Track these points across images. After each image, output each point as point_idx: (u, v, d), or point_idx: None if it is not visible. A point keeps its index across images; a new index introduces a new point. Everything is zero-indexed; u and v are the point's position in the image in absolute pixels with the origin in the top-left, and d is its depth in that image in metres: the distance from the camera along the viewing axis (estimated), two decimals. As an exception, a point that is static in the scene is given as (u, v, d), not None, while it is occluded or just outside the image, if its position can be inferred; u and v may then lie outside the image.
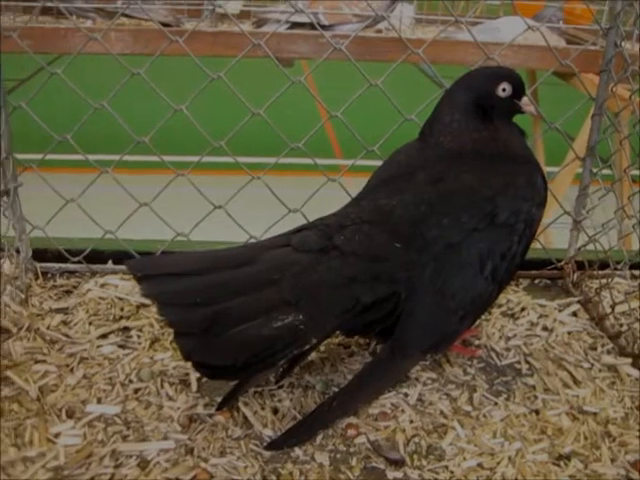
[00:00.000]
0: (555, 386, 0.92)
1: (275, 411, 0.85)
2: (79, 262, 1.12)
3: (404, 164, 0.91)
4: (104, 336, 0.98)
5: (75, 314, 1.03)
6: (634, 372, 0.96)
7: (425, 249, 0.81)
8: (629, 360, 0.98)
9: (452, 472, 0.77)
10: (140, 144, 1.06)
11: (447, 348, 0.93)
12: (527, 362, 0.98)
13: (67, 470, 0.74)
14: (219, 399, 0.85)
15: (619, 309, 1.06)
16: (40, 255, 1.13)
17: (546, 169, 0.94)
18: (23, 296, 1.04)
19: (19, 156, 1.04)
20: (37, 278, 1.11)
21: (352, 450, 0.80)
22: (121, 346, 0.96)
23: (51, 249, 1.13)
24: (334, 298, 0.77)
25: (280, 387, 0.89)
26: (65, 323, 1.01)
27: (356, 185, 0.96)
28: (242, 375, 0.79)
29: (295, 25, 2.20)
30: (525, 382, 0.93)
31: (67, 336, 0.97)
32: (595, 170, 1.14)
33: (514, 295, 1.14)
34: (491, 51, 1.07)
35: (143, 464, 0.76)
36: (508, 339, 1.03)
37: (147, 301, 1.02)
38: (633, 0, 1.04)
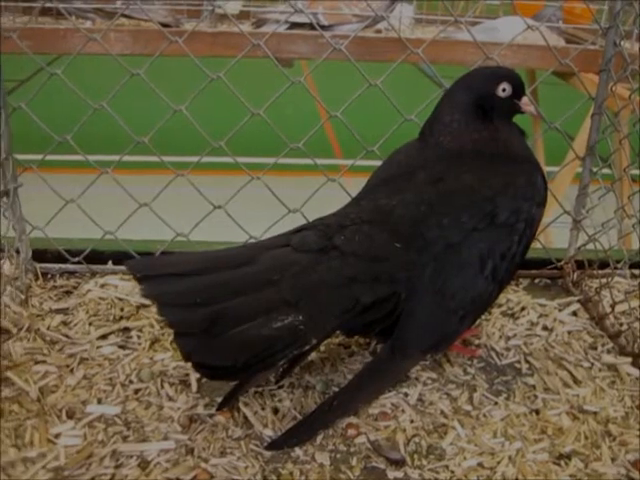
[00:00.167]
0: (555, 385, 0.92)
1: (275, 411, 0.85)
2: (79, 262, 1.12)
3: (404, 164, 0.92)
4: (104, 337, 0.98)
5: (75, 315, 1.03)
6: (634, 371, 0.96)
7: (425, 249, 0.81)
8: (629, 359, 0.98)
9: (452, 472, 0.77)
10: (140, 144, 1.06)
11: (447, 348, 0.93)
12: (527, 362, 0.98)
13: (67, 471, 0.74)
14: (219, 399, 0.85)
15: (619, 308, 1.06)
16: (40, 256, 1.13)
17: (546, 169, 0.94)
18: (23, 297, 1.04)
19: (19, 157, 1.04)
20: (37, 279, 1.11)
21: (352, 450, 0.80)
22: (121, 346, 0.96)
23: (51, 250, 1.13)
24: (334, 298, 0.77)
25: (280, 387, 0.89)
26: (65, 324, 1.01)
27: (356, 185, 0.96)
28: (242, 375, 0.79)
29: (295, 25, 2.20)
30: (525, 382, 0.93)
31: (67, 337, 0.97)
32: (595, 169, 1.14)
33: (514, 295, 1.14)
34: (490, 51, 1.07)
35: (143, 464, 0.76)
36: (508, 339, 1.03)
37: (147, 301, 1.02)
38: (632, 0, 1.04)
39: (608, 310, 1.06)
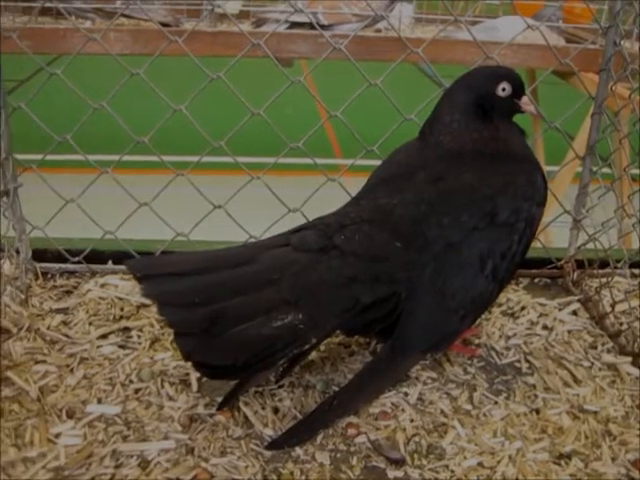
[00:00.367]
0: (555, 385, 0.92)
1: (276, 411, 0.85)
2: (79, 262, 1.12)
3: (404, 163, 0.91)
4: (104, 336, 0.98)
5: (75, 314, 1.03)
6: (634, 371, 0.96)
7: (425, 248, 0.81)
8: (629, 359, 0.98)
9: (452, 471, 0.77)
10: (140, 144, 1.06)
11: (447, 347, 0.93)
12: (527, 361, 0.98)
13: (67, 470, 0.74)
14: (220, 399, 0.85)
15: (619, 308, 1.06)
16: (40, 255, 1.13)
17: (546, 168, 0.94)
18: (23, 296, 1.04)
19: (19, 156, 1.04)
20: (37, 278, 1.11)
21: (353, 449, 0.80)
22: (121, 346, 0.96)
23: (51, 249, 1.13)
24: (334, 298, 0.77)
25: (280, 387, 0.89)
26: (65, 323, 1.01)
27: (356, 185, 0.96)
28: (242, 375, 0.79)
29: (294, 25, 2.20)
30: (525, 381, 0.93)
31: (67, 336, 0.97)
32: (595, 169, 1.14)
33: (514, 294, 1.14)
34: (490, 50, 1.07)
35: (144, 464, 0.76)
36: (508, 338, 1.03)
37: (147, 301, 1.02)
38: (632, -1, 1.04)
39: (608, 309, 1.06)
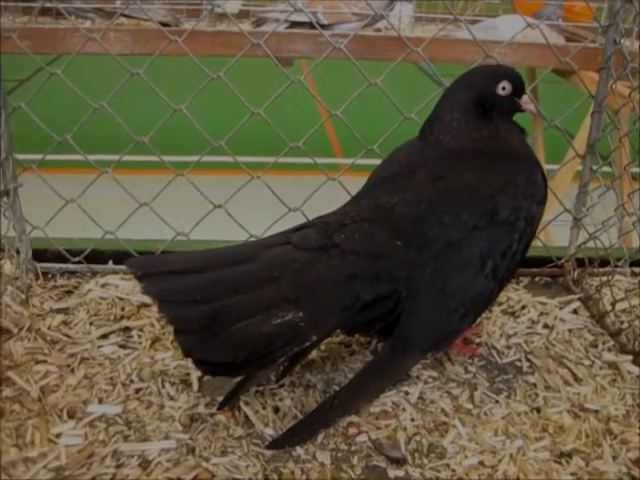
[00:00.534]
0: (556, 384, 0.92)
1: (276, 410, 0.85)
2: (79, 262, 1.12)
3: (404, 162, 0.91)
4: (105, 336, 0.98)
5: (76, 314, 1.03)
6: (635, 369, 0.96)
7: (426, 247, 0.81)
8: (630, 357, 0.98)
9: (453, 470, 0.77)
10: (140, 144, 1.06)
11: (448, 346, 0.93)
12: (528, 360, 0.98)
13: (68, 470, 0.74)
14: (220, 398, 0.85)
15: (620, 306, 1.06)
16: (40, 255, 1.13)
17: (546, 167, 0.94)
18: (24, 296, 1.04)
19: (19, 156, 1.04)
20: (38, 278, 1.11)
21: (353, 449, 0.80)
22: (122, 346, 0.96)
23: (51, 249, 1.13)
24: (334, 295, 0.77)
25: (281, 386, 0.89)
26: (66, 323, 1.01)
27: (356, 184, 0.96)
28: (242, 372, 0.79)
29: (294, 24, 2.20)
30: (526, 380, 0.93)
31: (68, 336, 0.97)
32: (595, 167, 1.14)
33: (514, 293, 1.14)
34: (490, 49, 1.07)
35: (144, 464, 0.76)
36: (509, 337, 1.03)
37: (148, 301, 1.02)
38: (632, -3, 1.04)
39: (609, 308, 1.06)
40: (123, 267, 1.10)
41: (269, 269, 0.77)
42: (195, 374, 0.89)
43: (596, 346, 1.02)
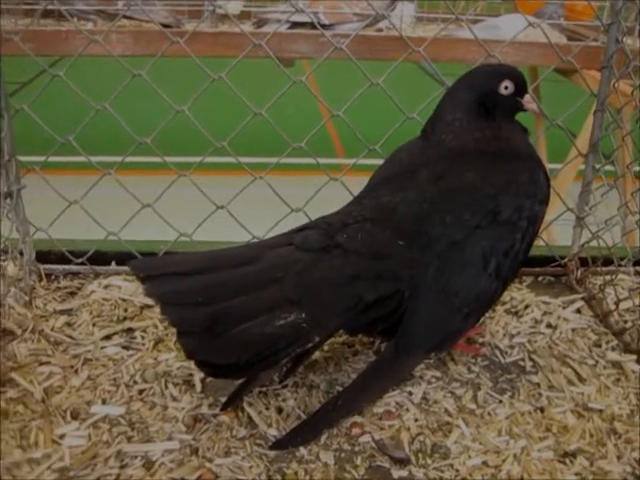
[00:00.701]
0: (560, 383, 0.92)
1: (279, 411, 0.85)
2: (82, 263, 1.13)
3: (406, 162, 0.91)
4: (108, 337, 0.98)
5: (79, 315, 1.03)
6: (639, 368, 0.95)
7: (428, 247, 0.81)
8: (634, 357, 0.98)
9: (457, 470, 0.77)
10: (142, 145, 1.06)
11: (451, 346, 0.93)
12: (531, 359, 0.98)
13: (72, 471, 0.74)
14: (223, 399, 0.85)
15: (623, 306, 1.06)
16: (44, 257, 1.13)
17: (548, 166, 0.94)
18: (27, 298, 1.04)
19: (22, 158, 1.04)
20: (41, 280, 1.11)
21: (357, 449, 0.80)
22: (125, 347, 0.96)
23: (54, 251, 1.13)
24: (336, 296, 0.77)
25: (284, 387, 0.89)
26: (69, 324, 1.01)
27: (358, 184, 0.96)
28: (245, 373, 0.79)
29: (296, 25, 2.20)
30: (529, 380, 0.93)
31: (71, 337, 0.97)
32: (598, 166, 1.14)
33: (518, 293, 1.14)
34: (492, 49, 1.07)
35: (148, 465, 0.76)
36: (512, 337, 1.03)
37: (151, 302, 1.02)
38: (634, -4, 1.04)
39: (612, 307, 1.06)
40: (126, 268, 1.10)
41: (271, 270, 0.77)
42: (198, 375, 0.90)
43: (600, 345, 1.02)
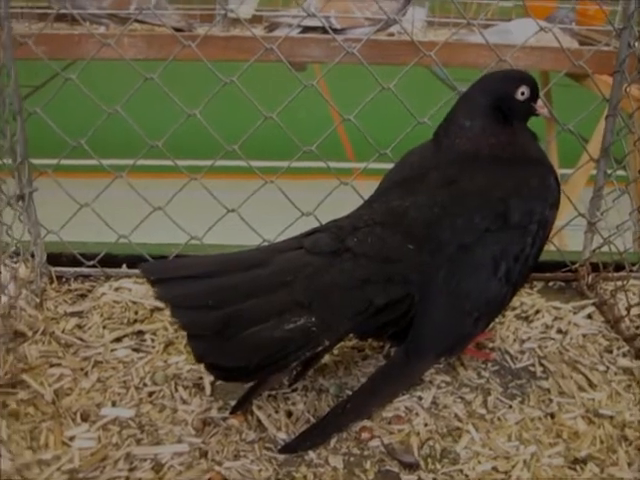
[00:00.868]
0: (570, 389, 0.92)
1: (289, 414, 0.85)
2: (93, 266, 1.13)
3: (417, 166, 0.91)
4: (118, 340, 0.99)
5: (90, 318, 1.03)
6: (650, 375, 0.95)
7: (438, 250, 0.81)
8: (645, 363, 0.97)
9: (467, 476, 0.77)
10: (154, 148, 1.06)
11: (461, 351, 0.93)
12: (542, 365, 0.97)
13: (82, 473, 0.74)
14: (233, 402, 0.85)
15: (635, 311, 1.05)
16: (55, 259, 1.14)
17: (560, 171, 0.94)
18: (38, 300, 1.05)
19: (34, 161, 1.05)
20: (52, 282, 1.12)
21: (366, 453, 0.80)
22: (135, 349, 0.97)
23: (66, 253, 1.14)
24: (347, 300, 0.77)
25: (294, 390, 0.89)
26: (80, 327, 1.01)
27: (369, 188, 0.96)
28: (255, 377, 0.79)
29: (307, 29, 2.20)
30: (540, 385, 0.93)
31: (82, 340, 0.98)
32: (609, 171, 1.14)
33: (528, 298, 1.13)
34: (503, 53, 1.07)
35: (157, 467, 0.76)
36: (522, 342, 1.02)
37: (161, 304, 1.02)
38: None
39: (624, 313, 1.05)
40: (137, 271, 1.10)
41: (282, 274, 0.77)
42: (208, 378, 0.90)
43: (611, 351, 1.01)
